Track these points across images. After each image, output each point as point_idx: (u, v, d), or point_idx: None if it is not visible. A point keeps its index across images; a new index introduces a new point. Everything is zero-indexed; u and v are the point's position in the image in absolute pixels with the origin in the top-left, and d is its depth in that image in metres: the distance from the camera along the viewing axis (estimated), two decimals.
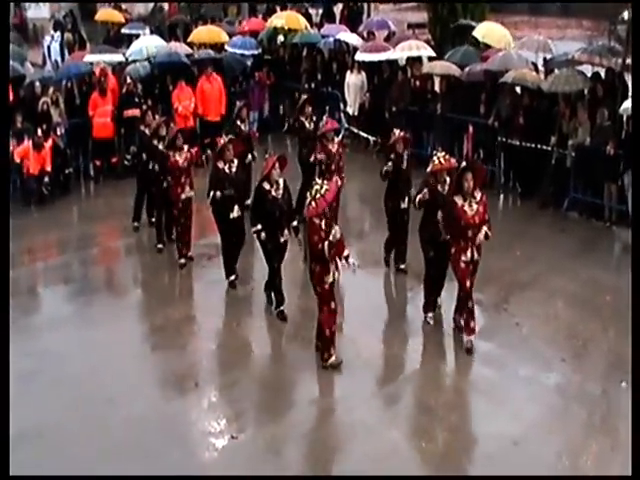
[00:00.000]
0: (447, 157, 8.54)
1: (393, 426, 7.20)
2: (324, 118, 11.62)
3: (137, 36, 17.20)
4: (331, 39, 16.70)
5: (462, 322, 8.36)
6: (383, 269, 10.13)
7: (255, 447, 6.91)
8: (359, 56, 15.13)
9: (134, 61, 15.16)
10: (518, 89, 13.26)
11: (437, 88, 14.23)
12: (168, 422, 7.18)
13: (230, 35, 17.08)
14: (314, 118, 11.48)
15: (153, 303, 9.46)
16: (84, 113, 13.53)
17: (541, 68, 14.85)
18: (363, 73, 15.20)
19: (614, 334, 8.67)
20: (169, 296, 9.68)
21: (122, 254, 11.07)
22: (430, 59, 14.94)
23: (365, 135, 15.11)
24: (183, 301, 9.57)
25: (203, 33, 17.03)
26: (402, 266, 9.99)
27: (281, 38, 17.26)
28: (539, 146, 12.37)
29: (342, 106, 15.45)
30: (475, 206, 7.96)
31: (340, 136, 15.38)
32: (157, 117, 11.38)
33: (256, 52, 16.55)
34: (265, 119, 16.44)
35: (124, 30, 18.20)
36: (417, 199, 8.59)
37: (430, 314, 8.81)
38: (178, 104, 14.27)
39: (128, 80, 14.04)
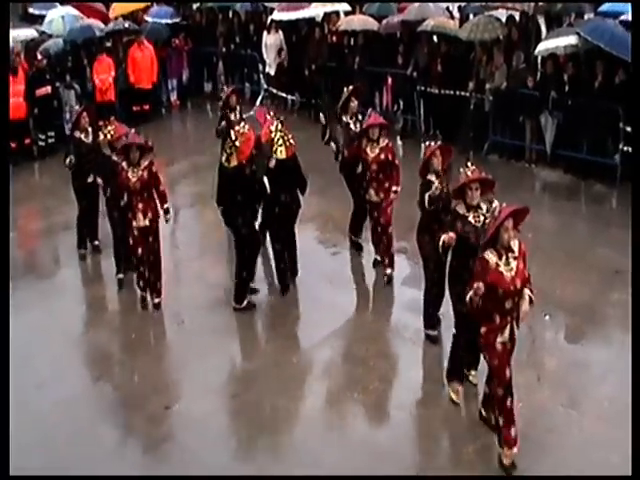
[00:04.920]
0: (475, 169, 6.46)
1: (325, 379, 7.27)
2: (369, 112, 9.01)
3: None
4: None
5: (496, 424, 6.17)
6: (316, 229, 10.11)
7: (189, 416, 6.87)
8: (276, 15, 15.01)
9: (49, 35, 14.87)
10: (435, 37, 13.31)
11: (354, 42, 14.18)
12: (99, 401, 7.12)
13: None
14: (360, 117, 9.06)
15: (79, 283, 9.31)
16: None
17: (456, 15, 14.92)
18: (280, 32, 15.06)
19: (536, 270, 8.75)
20: (94, 274, 9.54)
21: (44, 235, 10.80)
22: (347, 13, 14.88)
23: (285, 95, 15.03)
24: (109, 278, 9.39)
25: (123, 6, 16.57)
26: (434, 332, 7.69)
27: (196, 4, 17.02)
28: (457, 92, 12.49)
29: (261, 67, 15.33)
30: (514, 263, 5.74)
31: (260, 98, 15.38)
32: (115, 124, 8.96)
33: (178, 20, 16.34)
34: (185, 86, 16.27)
35: (31, 10, 17.58)
36: (442, 242, 6.51)
37: (459, 387, 6.90)
38: (108, 76, 14.19)
39: (39, 57, 13.68)
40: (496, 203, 6.31)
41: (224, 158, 8.42)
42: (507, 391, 5.94)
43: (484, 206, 6.53)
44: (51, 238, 10.66)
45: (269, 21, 15.21)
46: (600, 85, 11.08)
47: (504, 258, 5.74)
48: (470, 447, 6.36)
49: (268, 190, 8.11)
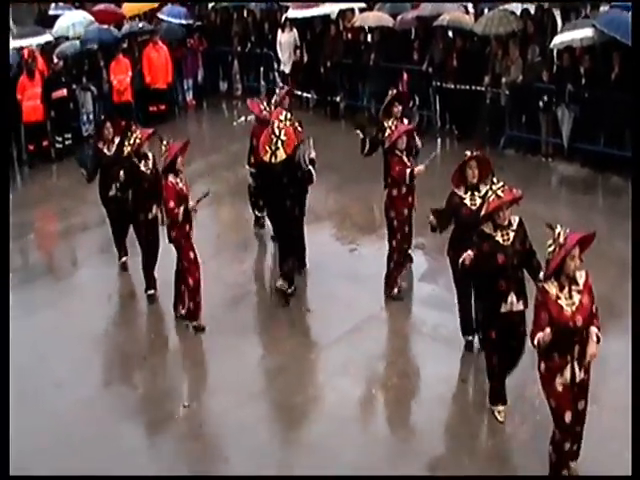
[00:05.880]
0: (504, 187, 6.09)
1: (343, 376, 7.24)
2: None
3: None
4: None
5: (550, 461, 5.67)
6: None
7: (208, 414, 6.93)
8: (291, 13, 15.04)
9: (66, 38, 14.90)
10: (450, 33, 13.27)
11: (369, 39, 14.16)
12: (118, 400, 7.14)
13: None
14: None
15: (97, 282, 9.33)
16: (13, 97, 13.19)
17: (471, 10, 14.84)
18: (295, 30, 15.07)
19: None
20: (112, 274, 9.57)
21: (62, 237, 10.86)
22: (362, 10, 14.87)
23: (300, 93, 15.04)
24: (127, 277, 9.45)
25: (135, 6, 16.64)
26: (469, 338, 7.48)
27: (211, 3, 17.08)
28: (473, 87, 12.43)
29: (276, 65, 15.35)
30: (577, 297, 5.28)
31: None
32: (139, 130, 8.61)
33: (191, 22, 16.40)
34: (200, 85, 16.34)
35: (51, 12, 17.72)
36: (461, 262, 6.23)
37: (501, 407, 6.55)
38: (125, 77, 14.25)
39: (55, 60, 13.79)
40: (559, 228, 5.36)
41: (267, 156, 8.13)
42: (566, 435, 5.45)
43: (515, 222, 6.22)
44: (69, 239, 10.73)
45: (283, 19, 15.23)
46: (617, 77, 10.98)
47: (566, 290, 5.27)
48: (489, 443, 6.36)
49: (314, 174, 8.28)
